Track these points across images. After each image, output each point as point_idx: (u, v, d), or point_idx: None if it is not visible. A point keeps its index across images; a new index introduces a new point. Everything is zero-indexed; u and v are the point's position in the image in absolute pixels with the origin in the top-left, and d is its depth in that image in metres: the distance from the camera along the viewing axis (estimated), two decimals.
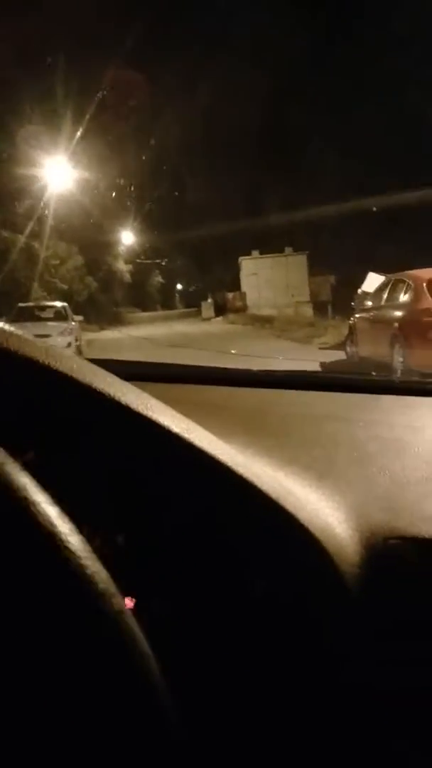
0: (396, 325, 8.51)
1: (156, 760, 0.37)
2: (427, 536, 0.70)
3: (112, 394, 0.57)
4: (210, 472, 0.59)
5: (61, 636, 0.37)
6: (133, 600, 0.55)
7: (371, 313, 9.85)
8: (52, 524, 0.39)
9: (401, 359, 8.20)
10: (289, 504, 0.62)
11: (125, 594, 0.49)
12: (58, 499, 0.42)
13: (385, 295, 9.49)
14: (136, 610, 0.52)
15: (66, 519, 0.40)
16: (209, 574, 0.58)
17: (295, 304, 28.51)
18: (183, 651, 0.54)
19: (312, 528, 0.62)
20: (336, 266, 29.06)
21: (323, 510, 0.71)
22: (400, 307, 8.75)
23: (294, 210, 29.67)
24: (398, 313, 8.66)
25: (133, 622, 0.38)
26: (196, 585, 0.58)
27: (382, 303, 9.47)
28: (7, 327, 0.58)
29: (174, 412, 0.62)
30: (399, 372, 8.11)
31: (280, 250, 32.91)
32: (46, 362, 0.56)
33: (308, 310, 27.95)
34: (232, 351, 9.75)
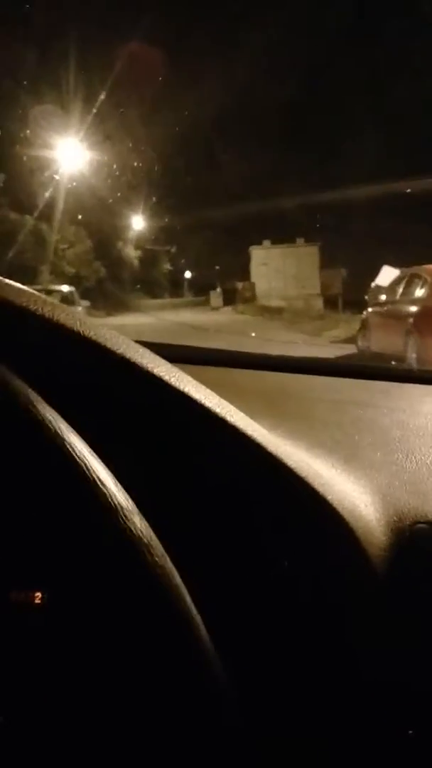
0: (411, 320, 8.25)
1: (211, 733, 0.41)
2: None
3: (146, 365, 0.58)
4: (243, 447, 0.60)
5: (118, 604, 0.40)
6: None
7: (385, 308, 9.57)
8: (111, 495, 0.42)
9: (415, 355, 7.95)
10: (318, 484, 0.63)
11: None
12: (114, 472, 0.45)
13: (400, 290, 9.22)
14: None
15: (123, 492, 0.43)
16: (240, 549, 0.59)
17: (305, 296, 28.32)
18: (225, 627, 0.55)
19: (340, 509, 0.63)
20: (347, 259, 28.83)
21: (351, 492, 0.70)
22: (415, 302, 8.48)
23: (307, 196, 29.32)
24: (413, 308, 8.40)
25: (185, 593, 0.41)
26: (227, 559, 0.59)
27: (397, 297, 9.20)
28: (56, 302, 0.58)
29: (204, 388, 0.63)
30: (414, 367, 7.88)
31: (292, 241, 32.60)
32: (80, 330, 0.56)
33: (318, 303, 27.78)
34: (252, 334, 9.62)
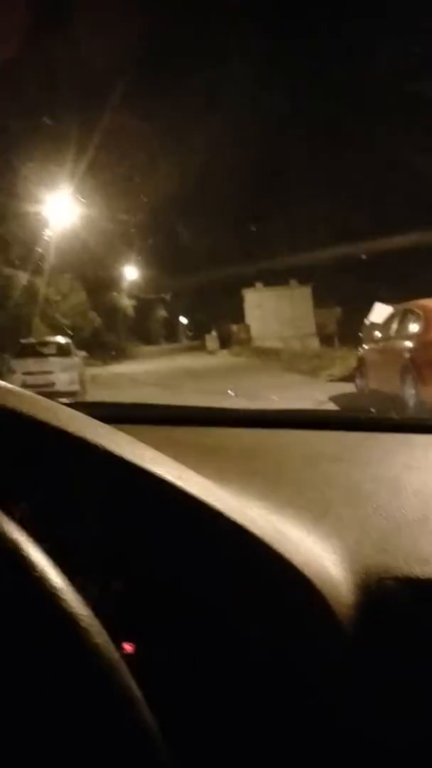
0: (407, 356, 8.23)
1: None
2: (421, 576, 0.70)
3: (103, 444, 0.58)
4: (204, 519, 0.60)
5: (53, 686, 0.39)
6: (133, 645, 0.56)
7: (380, 345, 9.57)
8: (44, 576, 0.42)
9: (413, 391, 7.90)
10: (284, 548, 0.63)
11: (124, 639, 0.55)
12: (52, 550, 0.45)
13: (394, 326, 9.22)
14: (135, 655, 0.55)
15: (58, 571, 0.43)
16: (205, 619, 0.59)
17: (300, 336, 28.42)
18: (180, 695, 0.56)
19: (307, 572, 0.63)
20: (340, 298, 29.01)
21: (319, 553, 0.71)
22: (410, 337, 8.47)
23: (297, 247, 29.73)
24: (409, 344, 8.38)
25: (125, 673, 0.40)
26: (193, 630, 0.59)
27: (392, 334, 9.19)
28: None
29: (167, 460, 0.63)
30: (411, 404, 7.81)
31: (285, 283, 32.85)
32: (34, 414, 0.57)
33: (314, 342, 27.91)
34: (230, 392, 9.56)
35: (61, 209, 27.61)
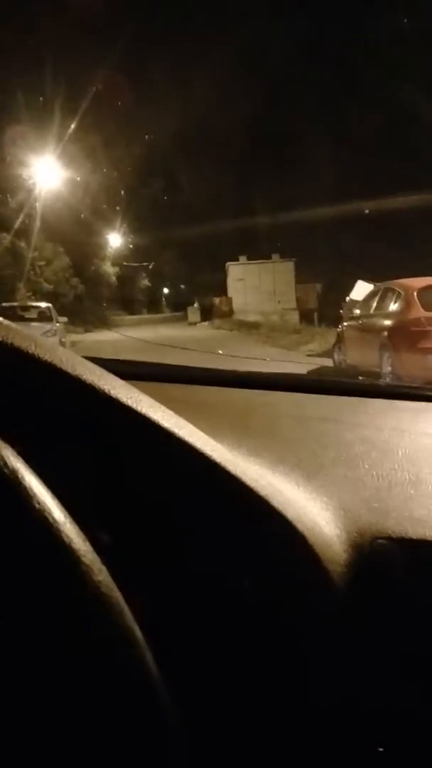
0: (385, 333, 8.41)
1: (155, 757, 0.39)
2: (414, 536, 0.70)
3: (101, 386, 0.57)
4: (200, 468, 0.59)
5: (54, 623, 0.38)
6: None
7: (360, 321, 9.75)
8: (44, 508, 0.41)
9: (390, 368, 8.11)
10: (277, 502, 0.63)
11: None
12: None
13: (374, 304, 9.40)
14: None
15: (58, 503, 0.41)
16: (198, 570, 0.59)
17: (281, 311, 28.49)
18: (172, 649, 0.54)
19: (299, 526, 0.62)
20: (322, 274, 29.09)
21: (311, 509, 0.71)
22: (389, 315, 8.65)
23: (282, 212, 29.62)
24: (388, 322, 8.57)
25: (127, 613, 0.40)
26: (185, 581, 0.58)
27: (371, 311, 9.37)
28: (8, 323, 0.57)
29: (164, 409, 0.62)
30: (388, 380, 8.02)
31: (268, 257, 32.87)
32: (35, 352, 0.55)
33: (294, 317, 27.98)
34: (219, 351, 9.63)
35: (46, 173, 27.31)
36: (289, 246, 32.07)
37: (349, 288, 12.95)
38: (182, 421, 0.63)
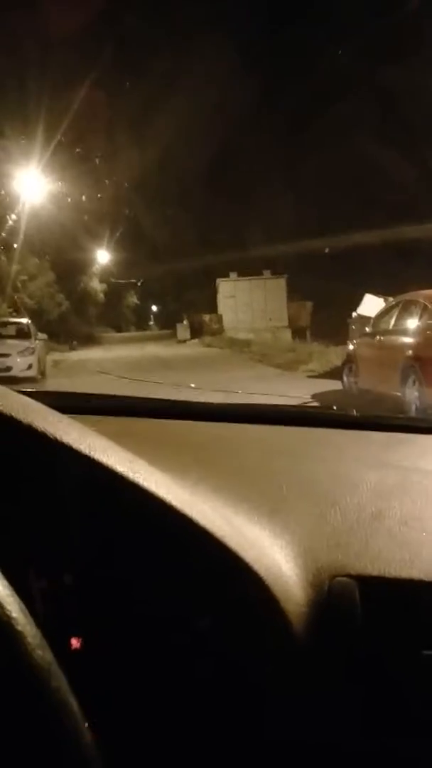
0: (410, 352, 7.24)
1: None
2: (373, 574, 0.70)
3: (54, 433, 0.58)
4: (155, 512, 0.60)
5: None
6: (80, 640, 0.59)
7: (376, 339, 8.55)
8: None
9: (416, 393, 6.93)
10: (235, 543, 0.63)
11: (73, 634, 0.59)
12: None
13: (392, 319, 8.20)
14: (83, 648, 0.59)
15: None
16: (155, 612, 0.60)
17: (273, 329, 27.72)
18: (127, 688, 0.58)
19: (257, 567, 0.63)
20: (311, 292, 28.30)
21: (270, 548, 0.71)
22: (413, 332, 7.47)
23: (273, 238, 28.94)
24: (412, 339, 7.39)
25: (58, 675, 0.40)
26: (142, 623, 0.59)
27: (390, 327, 8.18)
28: None
29: (120, 451, 0.63)
30: (414, 407, 6.85)
31: (258, 273, 31.98)
32: None
33: (287, 335, 27.22)
34: (192, 385, 8.57)
35: (31, 187, 26.31)
36: (279, 263, 31.09)
37: (337, 305, 11.88)
38: (138, 464, 0.63)
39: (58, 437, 0.57)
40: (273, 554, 0.69)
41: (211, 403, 1.61)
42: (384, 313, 8.78)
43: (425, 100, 25.18)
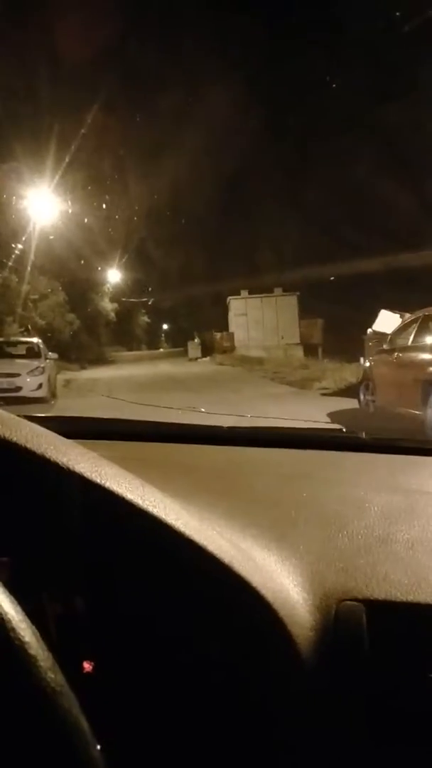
0: (430, 370, 6.98)
1: None
2: (380, 598, 0.70)
3: (63, 461, 0.58)
4: (164, 538, 0.61)
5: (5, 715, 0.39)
6: (92, 663, 0.60)
7: (395, 356, 8.29)
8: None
9: None
10: (243, 568, 0.63)
11: (86, 658, 0.60)
12: (14, 567, 0.48)
13: (411, 336, 7.94)
14: (95, 672, 0.60)
15: (8, 595, 0.43)
16: (164, 636, 0.61)
17: (284, 346, 27.52)
18: (137, 710, 0.59)
19: (264, 591, 0.63)
20: (321, 309, 28.24)
21: (278, 573, 0.71)
22: None
23: (282, 263, 28.99)
24: None
25: (70, 698, 0.40)
26: (152, 647, 0.60)
27: (409, 344, 7.92)
28: None
29: (129, 477, 0.64)
30: None
31: (270, 291, 31.82)
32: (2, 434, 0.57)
33: (299, 352, 27.02)
34: (202, 409, 8.37)
35: (44, 207, 26.35)
36: (290, 280, 31.01)
37: (348, 322, 11.64)
38: (147, 490, 0.63)
39: (71, 466, 0.58)
40: (280, 578, 0.69)
41: (220, 427, 1.60)
42: (402, 329, 8.52)
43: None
